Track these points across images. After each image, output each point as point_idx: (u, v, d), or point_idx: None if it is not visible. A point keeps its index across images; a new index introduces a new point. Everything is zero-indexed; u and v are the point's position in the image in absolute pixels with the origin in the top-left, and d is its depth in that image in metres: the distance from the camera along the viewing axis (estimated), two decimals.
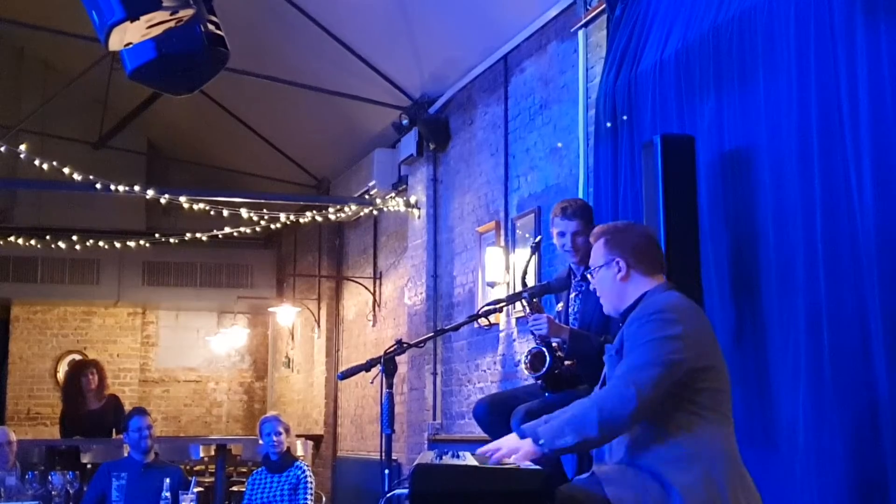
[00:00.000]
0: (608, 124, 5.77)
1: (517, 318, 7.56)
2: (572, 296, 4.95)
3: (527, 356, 4.81)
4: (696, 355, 3.20)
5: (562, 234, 4.88)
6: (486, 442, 4.87)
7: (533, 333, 4.78)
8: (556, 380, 4.74)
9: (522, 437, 3.28)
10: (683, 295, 3.43)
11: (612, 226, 3.66)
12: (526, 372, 4.86)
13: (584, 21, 6.63)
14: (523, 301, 4.85)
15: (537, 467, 3.10)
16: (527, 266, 5.11)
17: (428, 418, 8.95)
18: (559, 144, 7.13)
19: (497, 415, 4.76)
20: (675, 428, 3.18)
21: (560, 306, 5.01)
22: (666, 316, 3.23)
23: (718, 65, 4.93)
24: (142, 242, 11.48)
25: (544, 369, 4.69)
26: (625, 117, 5.61)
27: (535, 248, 5.12)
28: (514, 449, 3.23)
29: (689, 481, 3.12)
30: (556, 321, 4.79)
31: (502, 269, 7.79)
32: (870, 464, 3.95)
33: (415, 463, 3.24)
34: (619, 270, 3.45)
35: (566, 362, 4.75)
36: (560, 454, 3.22)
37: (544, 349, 4.73)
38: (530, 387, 5.08)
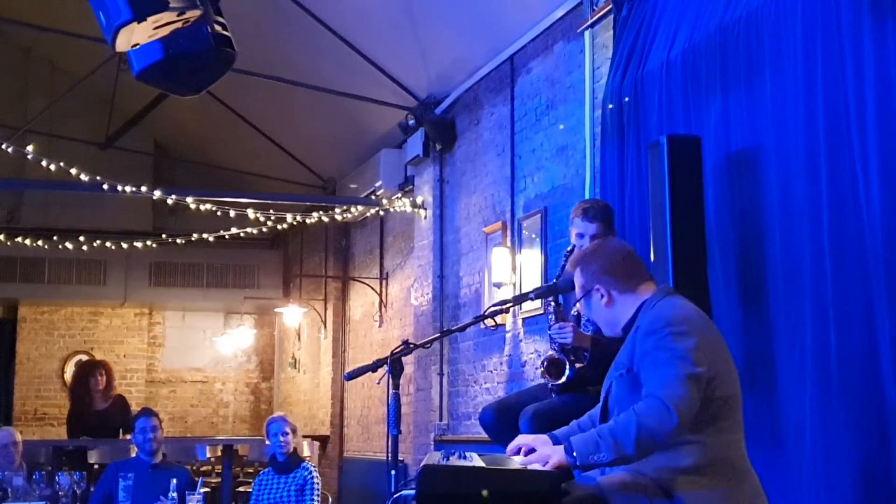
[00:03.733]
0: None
1: (524, 319, 7.56)
2: None
3: (543, 362, 4.77)
4: (708, 365, 3.14)
5: (580, 236, 4.82)
6: (491, 444, 4.89)
7: (553, 339, 4.71)
8: (567, 383, 4.70)
9: (555, 442, 3.24)
10: (683, 299, 3.39)
11: (583, 253, 3.57)
12: (543, 378, 4.80)
13: (590, 21, 6.62)
14: (550, 307, 4.78)
15: (544, 468, 3.09)
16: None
17: (434, 419, 8.94)
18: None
19: (504, 421, 4.71)
20: (685, 438, 3.11)
21: (579, 306, 4.97)
22: (675, 329, 3.17)
23: (725, 65, 4.93)
24: (148, 243, 11.46)
25: (564, 380, 4.64)
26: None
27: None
28: (544, 457, 3.15)
29: (696, 492, 3.10)
30: (579, 329, 4.69)
31: (509, 269, 7.79)
32: (877, 464, 3.95)
33: (421, 464, 3.23)
34: (602, 296, 3.40)
35: (577, 364, 4.72)
36: (591, 469, 3.17)
37: (564, 358, 4.67)
38: (535, 390, 5.05)
